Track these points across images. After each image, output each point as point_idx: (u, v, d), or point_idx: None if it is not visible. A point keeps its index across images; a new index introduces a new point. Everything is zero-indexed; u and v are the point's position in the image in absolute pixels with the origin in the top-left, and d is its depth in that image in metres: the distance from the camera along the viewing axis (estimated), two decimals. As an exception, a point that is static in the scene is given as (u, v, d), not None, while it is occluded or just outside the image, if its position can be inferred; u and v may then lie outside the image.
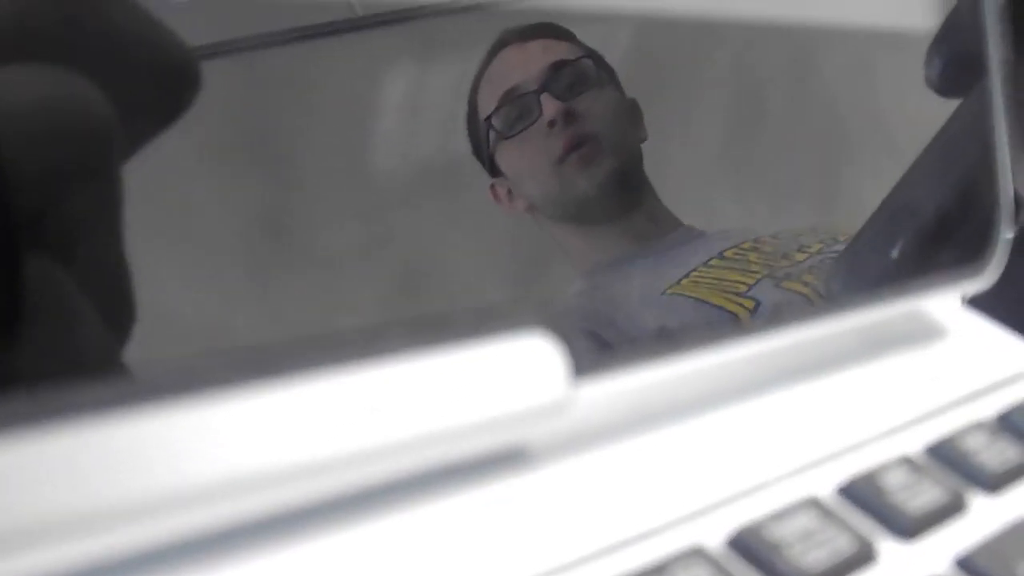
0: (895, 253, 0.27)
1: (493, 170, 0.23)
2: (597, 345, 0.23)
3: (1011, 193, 0.27)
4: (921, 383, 0.25)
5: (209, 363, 0.17)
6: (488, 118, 0.23)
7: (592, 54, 0.24)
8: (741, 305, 0.25)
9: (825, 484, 0.21)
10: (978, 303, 0.29)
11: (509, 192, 0.23)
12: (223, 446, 0.16)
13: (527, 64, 0.23)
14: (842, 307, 0.25)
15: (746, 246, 0.26)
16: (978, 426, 0.24)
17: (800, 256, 0.27)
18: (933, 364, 0.26)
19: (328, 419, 0.17)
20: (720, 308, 0.25)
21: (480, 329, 0.19)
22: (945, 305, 0.28)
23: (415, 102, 0.21)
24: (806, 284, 0.26)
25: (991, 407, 0.25)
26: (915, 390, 0.25)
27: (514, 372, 0.19)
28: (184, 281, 0.17)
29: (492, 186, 0.23)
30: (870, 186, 0.28)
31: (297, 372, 0.17)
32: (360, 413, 0.17)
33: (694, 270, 0.25)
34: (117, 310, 0.16)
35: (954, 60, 0.29)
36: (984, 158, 0.28)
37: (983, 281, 0.27)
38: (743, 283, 0.25)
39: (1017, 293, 0.32)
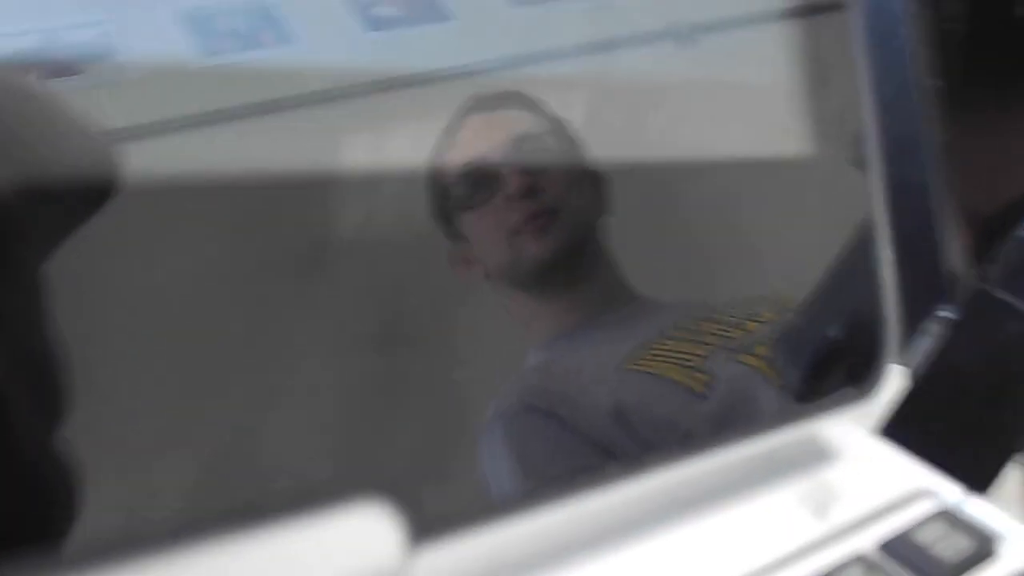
0: (792, 377, 0.27)
1: (453, 236, 0.23)
2: (553, 424, 0.23)
3: (895, 318, 0.27)
4: (803, 514, 0.25)
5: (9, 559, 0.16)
6: (450, 187, 0.23)
7: (559, 126, 0.24)
8: (696, 379, 0.25)
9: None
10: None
11: (468, 258, 0.24)
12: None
13: (492, 135, 0.24)
14: (725, 439, 0.25)
15: (702, 316, 0.26)
16: (857, 560, 0.24)
17: (752, 325, 0.27)
18: (820, 491, 0.26)
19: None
20: (676, 383, 0.25)
21: (311, 500, 0.19)
22: (843, 427, 0.28)
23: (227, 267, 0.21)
24: (759, 357, 0.26)
25: (875, 535, 0.25)
26: (796, 521, 0.25)
27: (341, 545, 0.19)
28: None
29: (451, 251, 0.23)
30: (817, 259, 0.28)
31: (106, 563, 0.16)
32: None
33: (652, 342, 0.25)
34: None
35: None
36: (871, 280, 0.28)
37: (872, 405, 0.27)
38: (699, 355, 0.25)
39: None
